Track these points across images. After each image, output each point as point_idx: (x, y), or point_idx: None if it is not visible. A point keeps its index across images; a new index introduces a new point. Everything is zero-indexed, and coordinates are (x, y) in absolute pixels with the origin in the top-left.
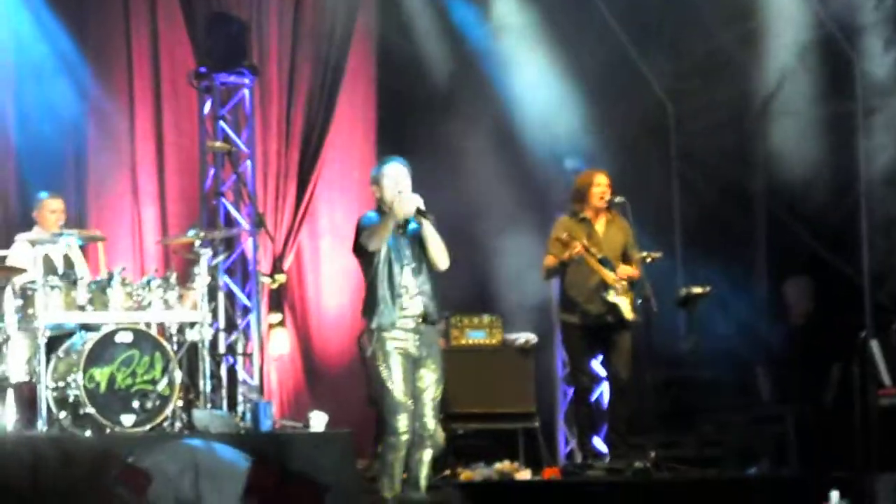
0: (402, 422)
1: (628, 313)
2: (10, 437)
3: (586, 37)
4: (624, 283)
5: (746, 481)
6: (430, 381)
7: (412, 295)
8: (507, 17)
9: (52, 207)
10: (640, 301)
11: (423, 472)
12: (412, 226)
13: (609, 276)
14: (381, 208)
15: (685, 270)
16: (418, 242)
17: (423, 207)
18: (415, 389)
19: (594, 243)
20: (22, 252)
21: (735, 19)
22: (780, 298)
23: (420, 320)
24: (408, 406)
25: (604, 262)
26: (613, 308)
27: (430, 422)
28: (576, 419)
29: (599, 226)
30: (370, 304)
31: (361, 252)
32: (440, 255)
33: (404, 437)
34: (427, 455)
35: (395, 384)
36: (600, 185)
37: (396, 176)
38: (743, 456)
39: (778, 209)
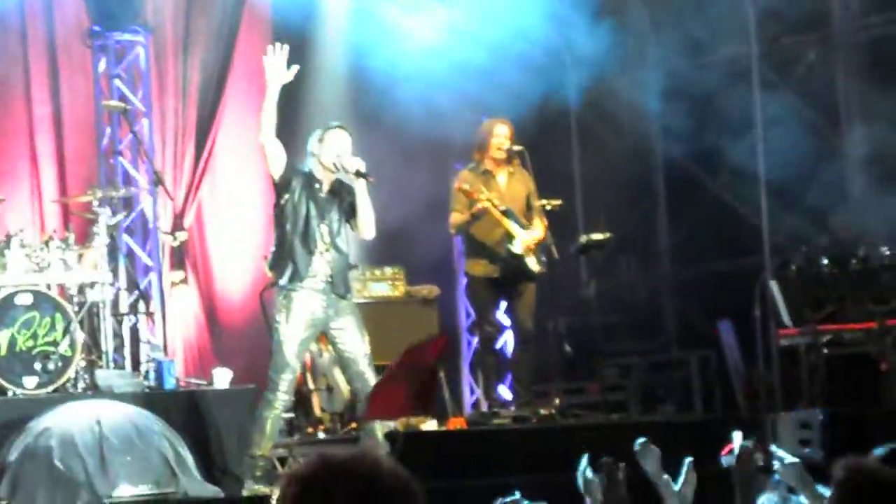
0: (285, 382)
1: (534, 265)
2: None
3: None
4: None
5: (651, 425)
6: (353, 342)
7: (327, 257)
8: None
9: None
10: (543, 252)
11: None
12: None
13: (512, 228)
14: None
15: (585, 216)
16: (343, 205)
17: (363, 170)
18: (341, 354)
19: (497, 195)
20: None
21: None
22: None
23: (330, 282)
24: (294, 368)
25: (507, 213)
26: (518, 259)
27: (372, 378)
28: (481, 368)
29: (501, 177)
30: (280, 259)
31: (278, 186)
32: (369, 222)
33: (284, 397)
34: None
35: (289, 344)
36: (499, 135)
37: (338, 144)
38: (647, 400)
39: (675, 152)
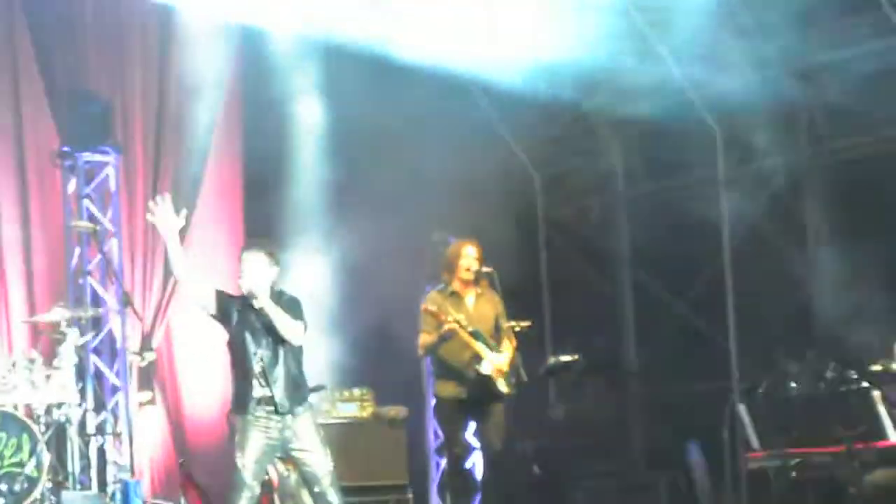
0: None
1: (503, 386)
2: None
3: (451, 105)
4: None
5: None
6: (314, 460)
7: (271, 379)
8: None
9: None
10: (512, 374)
11: None
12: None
13: (481, 349)
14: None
15: (554, 338)
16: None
17: (254, 292)
18: (304, 475)
19: (465, 316)
20: None
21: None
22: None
23: (275, 405)
24: (253, 489)
25: (475, 335)
26: (487, 380)
27: (335, 498)
28: (450, 488)
29: (469, 298)
30: (232, 385)
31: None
32: (287, 331)
33: None
34: None
35: (246, 465)
36: (467, 256)
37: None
38: None
39: (643, 275)
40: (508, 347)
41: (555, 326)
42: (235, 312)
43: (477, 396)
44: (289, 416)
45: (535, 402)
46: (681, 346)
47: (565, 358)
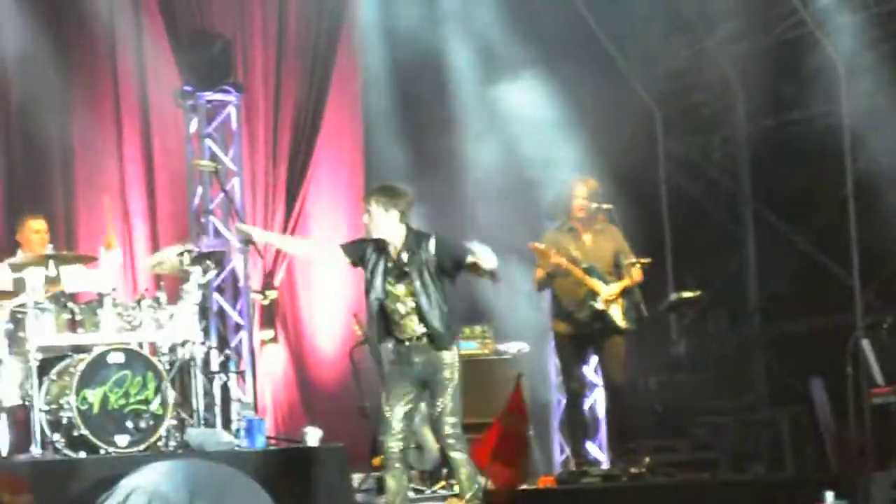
0: (390, 441)
1: (620, 321)
2: None
3: (572, 46)
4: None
5: (741, 484)
6: (441, 397)
7: (410, 319)
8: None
9: (34, 228)
10: (632, 309)
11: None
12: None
13: (595, 284)
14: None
15: (675, 274)
16: (421, 260)
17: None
18: (432, 413)
19: (582, 253)
20: (8, 276)
21: (720, 19)
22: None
23: (422, 340)
24: (395, 426)
25: (589, 270)
26: (603, 315)
27: (456, 439)
28: (568, 427)
29: (588, 235)
30: (368, 324)
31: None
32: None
33: (393, 456)
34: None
35: (391, 406)
36: (578, 196)
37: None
38: (737, 458)
39: (765, 210)
40: (628, 282)
41: (676, 262)
42: (372, 255)
43: (594, 332)
44: (431, 353)
45: (657, 338)
46: (803, 281)
47: (687, 294)
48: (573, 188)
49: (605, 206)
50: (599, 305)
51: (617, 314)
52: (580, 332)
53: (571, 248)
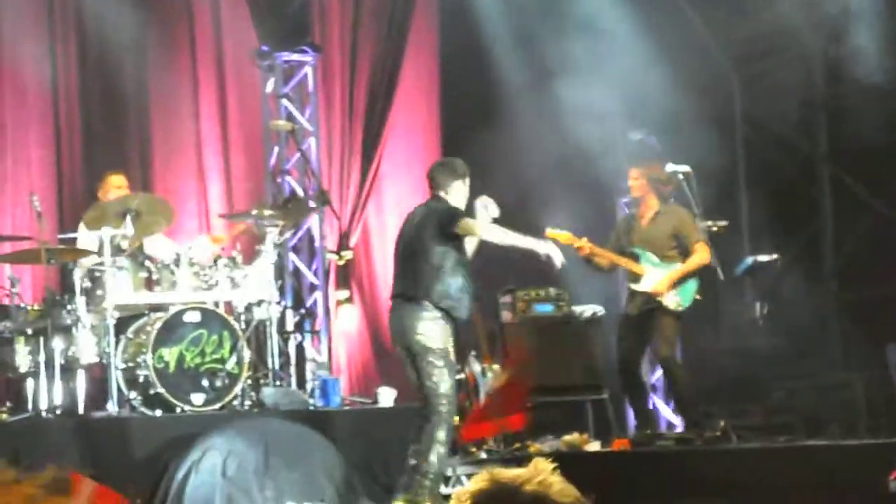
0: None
1: (669, 302)
2: None
3: (651, 9)
4: (668, 274)
5: (815, 449)
6: None
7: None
8: None
9: (116, 183)
10: (692, 291)
11: None
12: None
13: (635, 267)
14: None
15: (751, 238)
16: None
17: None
18: None
19: (636, 235)
20: (88, 234)
21: None
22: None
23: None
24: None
25: (634, 255)
26: (648, 295)
27: None
28: (623, 392)
29: (647, 217)
30: (446, 291)
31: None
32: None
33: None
34: None
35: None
36: (632, 178)
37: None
38: (812, 423)
39: (842, 174)
40: (681, 269)
41: (752, 226)
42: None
43: (644, 311)
44: None
45: (733, 301)
46: (880, 245)
47: (763, 258)
48: (629, 171)
49: (682, 169)
50: (643, 288)
51: (665, 296)
52: (632, 312)
53: (622, 232)
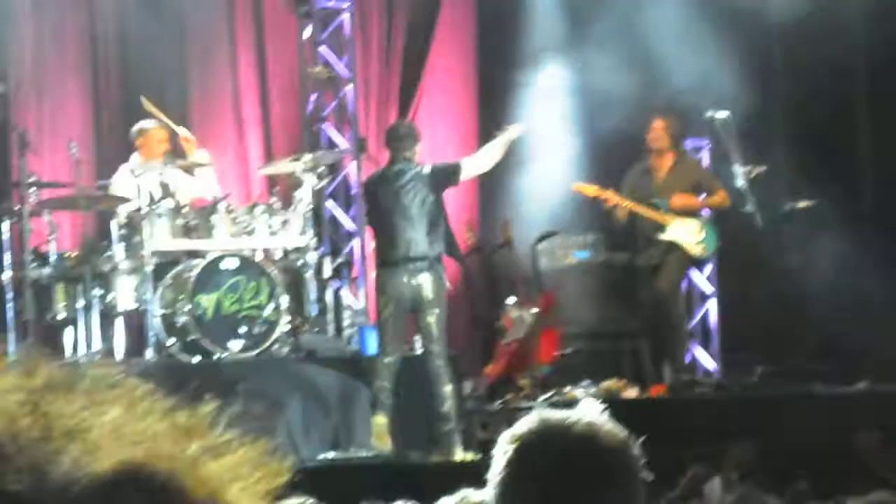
0: None
1: (694, 250)
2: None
3: None
4: (691, 221)
5: (855, 395)
6: None
7: None
8: None
9: (158, 137)
10: (707, 239)
11: None
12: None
13: (657, 216)
14: None
15: (789, 184)
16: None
17: None
18: None
19: (655, 187)
20: (125, 181)
21: None
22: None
23: None
24: None
25: (655, 205)
26: (674, 244)
27: None
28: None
29: (663, 169)
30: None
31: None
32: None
33: None
34: None
35: None
36: (654, 129)
37: None
38: (849, 370)
39: (882, 119)
40: (711, 198)
41: (790, 172)
42: None
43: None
44: None
45: (771, 248)
46: None
47: (801, 203)
48: (650, 122)
49: (720, 114)
50: (668, 237)
51: (690, 245)
52: (642, 263)
53: (636, 184)
